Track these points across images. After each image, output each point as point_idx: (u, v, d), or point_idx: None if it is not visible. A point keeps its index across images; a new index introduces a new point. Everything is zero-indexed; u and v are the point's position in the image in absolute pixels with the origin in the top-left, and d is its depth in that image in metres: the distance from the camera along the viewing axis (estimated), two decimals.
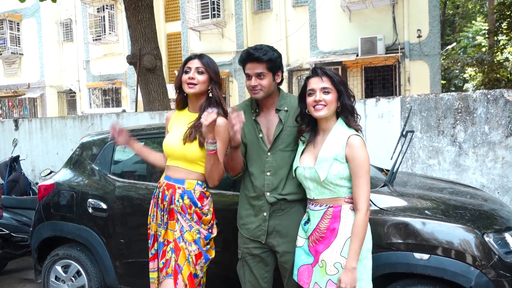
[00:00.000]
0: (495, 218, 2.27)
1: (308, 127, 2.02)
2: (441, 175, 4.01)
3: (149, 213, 2.24)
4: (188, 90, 2.13)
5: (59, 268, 3.14)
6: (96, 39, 14.98)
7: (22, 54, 16.68)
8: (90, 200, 2.98)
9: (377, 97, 4.31)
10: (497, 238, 2.09)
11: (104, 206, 2.92)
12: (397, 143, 2.89)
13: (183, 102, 2.25)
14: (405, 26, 10.40)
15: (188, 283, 2.04)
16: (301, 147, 2.06)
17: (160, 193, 2.17)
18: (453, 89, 19.16)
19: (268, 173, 2.11)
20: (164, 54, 13.51)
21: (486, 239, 2.06)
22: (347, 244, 1.84)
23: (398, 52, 10.25)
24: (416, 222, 2.14)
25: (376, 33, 10.35)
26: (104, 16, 14.75)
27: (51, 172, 4.46)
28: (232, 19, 12.74)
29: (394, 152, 2.86)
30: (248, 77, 2.10)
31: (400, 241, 2.13)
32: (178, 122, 2.23)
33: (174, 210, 2.11)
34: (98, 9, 15.01)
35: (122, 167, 3.08)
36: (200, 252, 2.10)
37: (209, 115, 1.90)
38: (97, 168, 3.11)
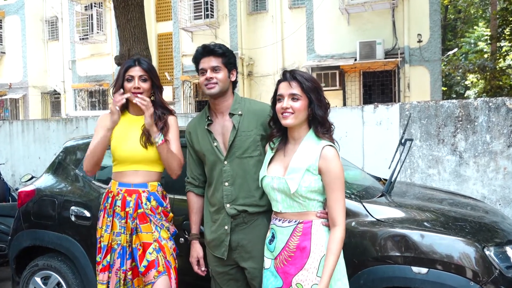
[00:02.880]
0: (496, 231, 2.29)
1: (278, 132, 1.97)
2: (441, 186, 4.03)
3: (100, 225, 2.30)
4: (135, 100, 2.23)
5: (38, 279, 3.10)
6: (83, 38, 14.94)
7: (4, 53, 16.59)
8: (73, 207, 2.95)
9: (375, 103, 4.34)
10: (498, 252, 2.10)
11: (87, 214, 2.90)
12: (396, 152, 2.90)
13: (122, 106, 2.33)
14: (405, 30, 10.49)
15: (175, 276, 2.27)
16: (269, 154, 1.99)
17: (119, 201, 2.23)
18: (454, 96, 19.35)
19: (226, 183, 2.11)
20: (154, 55, 13.51)
21: (487, 252, 2.07)
22: (322, 263, 1.78)
23: (397, 57, 10.34)
24: (414, 234, 2.14)
25: (375, 37, 10.44)
26: (92, 15, 14.73)
27: (32, 177, 4.42)
28: (226, 20, 12.78)
29: (392, 161, 2.87)
30: (203, 72, 2.13)
31: (397, 254, 2.13)
32: (124, 126, 2.30)
33: (145, 213, 2.23)
34: (85, 7, 14.99)
35: (107, 173, 3.05)
36: (174, 246, 2.32)
37: (142, 100, 2.17)
38: (81, 174, 3.09)
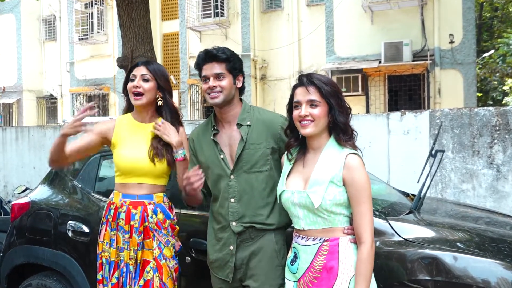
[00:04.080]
0: None
1: (296, 142, 1.97)
2: (476, 202, 3.99)
3: (101, 239, 2.32)
4: (134, 102, 2.28)
5: None
6: (82, 39, 15.19)
7: None
8: (70, 222, 2.99)
9: (403, 110, 4.33)
10: None
11: (86, 229, 2.93)
12: (425, 164, 2.89)
13: (129, 110, 2.41)
14: (436, 30, 10.47)
15: None
16: (287, 167, 1.99)
17: (123, 214, 2.25)
18: (491, 102, 19.14)
19: (233, 200, 2.10)
20: (159, 57, 13.68)
21: None
22: (352, 285, 1.77)
23: (427, 60, 10.30)
24: (446, 256, 2.12)
25: (402, 38, 10.43)
26: (92, 13, 15.00)
27: (26, 189, 4.49)
28: (237, 18, 12.91)
29: (421, 175, 2.86)
30: (205, 80, 2.13)
31: (427, 278, 2.11)
32: (130, 134, 2.33)
33: (149, 228, 2.24)
34: (85, 4, 15.28)
35: (107, 185, 3.09)
36: (177, 266, 2.32)
37: (164, 127, 2.21)
38: (79, 186, 3.13)
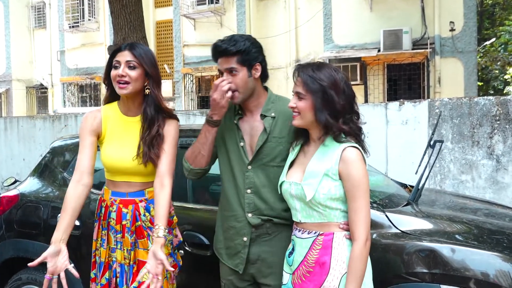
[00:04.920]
0: None
1: (303, 135, 1.96)
2: (475, 194, 4.01)
3: (95, 238, 2.26)
4: (120, 91, 2.10)
5: None
6: (73, 26, 15.09)
7: None
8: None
9: (401, 100, 4.32)
10: None
11: (77, 222, 2.92)
12: (423, 155, 2.89)
13: (111, 98, 2.24)
14: (436, 17, 10.44)
15: None
16: (291, 157, 1.98)
17: (113, 213, 2.16)
18: (492, 92, 19.17)
19: (249, 190, 2.06)
20: (152, 45, 13.60)
21: None
22: (343, 283, 1.76)
23: (427, 48, 10.29)
24: (444, 249, 2.13)
25: (402, 25, 10.40)
26: (83, 0, 14.87)
27: (15, 181, 4.46)
28: (233, 5, 12.83)
29: (419, 166, 2.86)
30: (221, 74, 2.06)
31: (425, 270, 2.12)
32: (117, 130, 2.19)
33: (142, 227, 2.15)
34: None
35: (99, 177, 3.07)
36: (175, 263, 2.26)
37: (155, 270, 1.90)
38: (69, 178, 3.11)
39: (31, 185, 3.28)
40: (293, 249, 1.92)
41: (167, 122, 2.18)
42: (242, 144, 2.08)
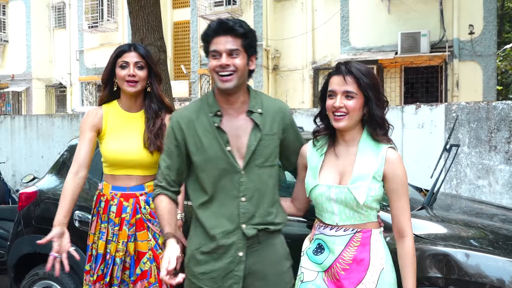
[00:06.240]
0: None
1: (326, 130, 1.92)
2: (492, 199, 3.96)
3: (92, 231, 2.34)
4: (129, 89, 2.24)
5: None
6: (92, 26, 15.27)
7: (7, 41, 17.13)
8: (77, 212, 3.02)
9: (417, 103, 4.29)
10: None
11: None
12: (439, 159, 2.87)
13: (108, 98, 2.36)
14: (455, 20, 10.33)
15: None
16: (317, 159, 1.92)
17: (114, 207, 2.27)
18: (511, 96, 18.88)
19: (243, 198, 1.85)
20: (169, 46, 13.70)
21: None
22: (381, 278, 1.78)
23: (445, 51, 10.18)
24: (458, 254, 2.11)
25: (420, 28, 10.31)
26: (102, 0, 15.05)
27: (34, 178, 4.55)
28: (250, 7, 12.86)
29: (435, 170, 2.85)
30: (215, 56, 1.84)
31: (438, 275, 2.11)
32: (118, 125, 2.31)
33: (143, 219, 2.26)
34: None
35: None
36: None
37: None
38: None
39: (49, 182, 3.33)
40: (319, 247, 1.89)
41: (167, 116, 2.29)
42: (228, 148, 1.86)
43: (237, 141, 1.88)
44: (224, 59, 1.81)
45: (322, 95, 1.92)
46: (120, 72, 2.25)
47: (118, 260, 2.25)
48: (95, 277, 2.29)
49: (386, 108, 1.88)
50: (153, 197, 1.98)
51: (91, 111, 2.37)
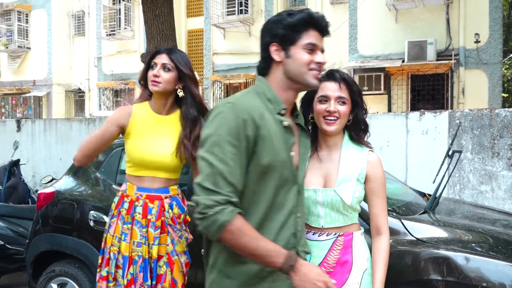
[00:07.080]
0: None
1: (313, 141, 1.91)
2: (495, 204, 3.93)
3: (111, 233, 2.21)
4: (152, 87, 2.18)
5: (54, 286, 3.23)
6: (110, 34, 15.45)
7: (29, 48, 17.38)
8: (92, 212, 3.07)
9: (422, 110, 4.28)
10: None
11: (107, 219, 3.00)
12: (441, 165, 2.86)
13: (146, 98, 2.31)
14: (461, 29, 10.26)
15: None
16: (306, 164, 1.89)
17: (139, 208, 2.18)
18: None
19: (299, 214, 1.59)
20: None
21: None
22: (364, 278, 1.79)
23: (451, 59, 10.11)
24: (458, 257, 2.11)
25: (426, 37, 10.26)
26: (119, 9, 15.22)
27: (52, 179, 4.61)
28: (261, 16, 12.91)
29: (437, 175, 2.84)
30: (311, 49, 1.55)
31: (438, 278, 2.10)
32: (147, 126, 2.23)
33: (164, 223, 2.19)
34: (113, 1, 15.52)
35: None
36: (188, 261, 2.29)
37: None
38: (101, 177, 3.21)
39: (66, 183, 3.39)
40: None
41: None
42: (293, 153, 1.54)
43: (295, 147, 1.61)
44: (320, 57, 1.59)
45: (306, 100, 1.91)
46: (149, 72, 2.21)
47: (149, 261, 2.16)
48: (125, 281, 2.15)
49: (366, 115, 1.93)
50: (227, 219, 1.38)
51: (122, 108, 2.30)
